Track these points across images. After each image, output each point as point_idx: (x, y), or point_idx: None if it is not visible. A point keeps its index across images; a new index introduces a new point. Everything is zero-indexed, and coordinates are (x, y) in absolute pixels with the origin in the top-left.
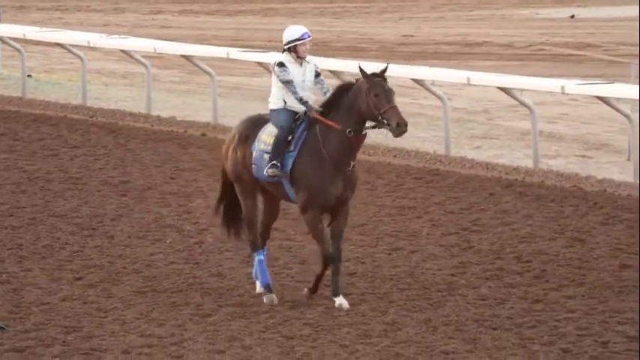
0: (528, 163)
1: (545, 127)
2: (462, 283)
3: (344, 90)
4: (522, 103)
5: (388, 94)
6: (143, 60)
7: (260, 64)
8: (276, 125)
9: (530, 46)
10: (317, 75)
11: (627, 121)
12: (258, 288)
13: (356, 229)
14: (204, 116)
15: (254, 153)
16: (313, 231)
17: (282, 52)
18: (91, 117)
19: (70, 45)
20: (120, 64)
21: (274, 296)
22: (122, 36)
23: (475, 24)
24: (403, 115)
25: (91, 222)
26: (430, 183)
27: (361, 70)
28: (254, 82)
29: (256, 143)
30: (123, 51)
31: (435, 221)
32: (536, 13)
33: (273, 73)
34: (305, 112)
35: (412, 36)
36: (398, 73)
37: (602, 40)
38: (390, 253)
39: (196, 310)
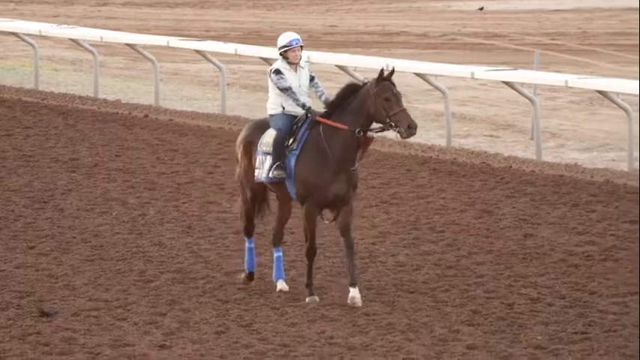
0: (442, 142)
1: (457, 110)
2: (382, 251)
3: (350, 91)
4: (436, 88)
5: (398, 97)
6: (91, 48)
7: (197, 51)
8: (274, 128)
9: (443, 35)
10: (312, 79)
11: (530, 103)
12: (280, 285)
13: None
14: (147, 99)
15: (257, 157)
16: (307, 223)
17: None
18: (43, 100)
19: (23, 34)
20: (69, 51)
21: (250, 282)
22: (71, 26)
23: (393, 15)
24: (412, 117)
25: (42, 196)
26: None
27: (382, 73)
28: (192, 67)
29: (259, 147)
30: (72, 39)
31: (358, 195)
32: (449, 6)
33: (270, 80)
34: (306, 114)
35: (336, 26)
36: (324, 59)
37: (508, 30)
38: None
39: (139, 276)
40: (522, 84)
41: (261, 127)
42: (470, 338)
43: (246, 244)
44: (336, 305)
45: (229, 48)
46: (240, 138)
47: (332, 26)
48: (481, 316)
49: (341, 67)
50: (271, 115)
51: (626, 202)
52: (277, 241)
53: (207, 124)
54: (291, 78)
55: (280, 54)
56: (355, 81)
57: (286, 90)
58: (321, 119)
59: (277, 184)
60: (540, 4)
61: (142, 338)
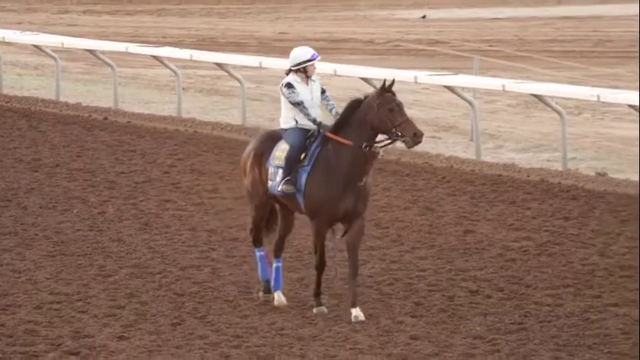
0: None
1: None
2: (329, 246)
3: (353, 107)
4: None
5: (401, 107)
6: (53, 53)
7: (155, 57)
8: (287, 142)
9: (388, 42)
10: (323, 92)
11: (470, 106)
12: (277, 297)
13: (238, 200)
14: (106, 102)
15: (269, 169)
16: (316, 239)
17: (287, 74)
18: (7, 103)
19: None
20: (32, 57)
21: (260, 294)
22: (34, 33)
23: (341, 23)
24: (417, 125)
25: (6, 194)
26: None
27: (384, 85)
28: (150, 72)
29: (271, 159)
30: (35, 45)
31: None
32: (393, 14)
33: (282, 95)
34: (318, 130)
35: (286, 33)
36: (274, 65)
37: (449, 37)
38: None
39: (99, 271)
40: (462, 88)
41: (272, 138)
42: (413, 329)
43: (256, 253)
44: (286, 297)
45: (185, 54)
46: (249, 148)
47: (282, 33)
48: (423, 308)
49: None
50: (284, 130)
51: (560, 199)
52: (278, 251)
53: (164, 126)
54: (303, 91)
55: (297, 69)
56: (357, 96)
57: (298, 104)
58: (329, 134)
59: (289, 197)
60: (479, 13)
61: (102, 330)
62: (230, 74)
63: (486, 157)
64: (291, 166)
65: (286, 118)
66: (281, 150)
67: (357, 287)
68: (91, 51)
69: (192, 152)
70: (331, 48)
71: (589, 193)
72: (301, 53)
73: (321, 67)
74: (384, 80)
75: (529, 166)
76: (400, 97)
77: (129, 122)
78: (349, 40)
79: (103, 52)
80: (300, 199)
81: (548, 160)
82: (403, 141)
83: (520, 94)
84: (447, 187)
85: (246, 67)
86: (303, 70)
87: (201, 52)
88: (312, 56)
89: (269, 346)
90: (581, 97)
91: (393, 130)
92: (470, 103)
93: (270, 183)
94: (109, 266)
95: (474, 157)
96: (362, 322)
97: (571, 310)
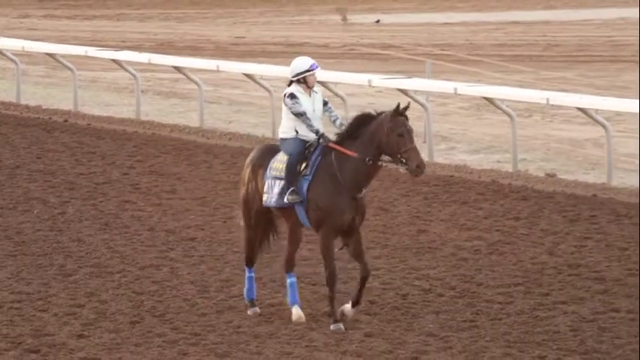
0: None
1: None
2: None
3: (363, 122)
4: (337, 95)
5: (410, 134)
6: (13, 57)
7: (114, 60)
8: (286, 153)
9: (343, 46)
10: (325, 103)
11: (423, 109)
12: (295, 312)
13: (196, 201)
14: (67, 105)
15: (266, 182)
16: (325, 251)
17: (289, 85)
18: None
19: None
20: None
21: (257, 309)
22: None
23: (296, 27)
24: (421, 156)
25: None
26: None
27: (398, 107)
28: (109, 75)
29: (268, 171)
30: None
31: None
32: (348, 19)
33: (284, 105)
34: (318, 140)
35: (243, 37)
36: (231, 68)
37: (402, 41)
38: (225, 221)
39: (59, 270)
40: (415, 91)
41: (270, 151)
42: (367, 326)
43: (246, 274)
44: (243, 297)
45: (143, 57)
46: (248, 160)
47: (239, 37)
48: (377, 305)
49: (248, 76)
50: (283, 140)
51: (511, 200)
52: (290, 267)
53: (123, 128)
54: (305, 102)
55: (298, 80)
56: (369, 111)
57: (300, 115)
58: (333, 146)
59: (285, 209)
60: (431, 18)
61: (62, 328)
62: (188, 77)
63: (439, 159)
64: (293, 175)
65: (287, 128)
66: (278, 161)
67: (362, 294)
68: (51, 55)
69: (151, 154)
70: (287, 52)
71: (538, 193)
72: (300, 64)
73: (277, 71)
74: (399, 103)
75: (480, 168)
76: (354, 100)
77: (89, 124)
78: (305, 45)
79: (63, 56)
80: (300, 212)
81: (499, 162)
82: (406, 169)
83: (471, 97)
84: (400, 188)
85: (203, 70)
86: (303, 80)
87: (160, 55)
88: (312, 66)
89: (226, 343)
90: (530, 100)
91: (399, 155)
92: (423, 105)
93: (265, 196)
94: (69, 266)
95: (426, 159)
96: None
97: (521, 307)
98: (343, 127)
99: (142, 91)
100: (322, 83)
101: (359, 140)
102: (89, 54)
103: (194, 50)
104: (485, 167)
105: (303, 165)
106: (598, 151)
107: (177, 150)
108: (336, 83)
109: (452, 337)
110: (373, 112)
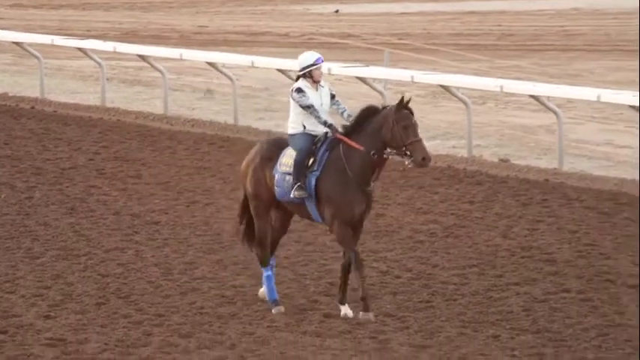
0: None
1: None
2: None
3: (368, 115)
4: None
5: (415, 126)
6: None
7: (80, 49)
8: (294, 148)
9: (303, 35)
10: (332, 97)
11: (381, 97)
12: (272, 307)
13: (160, 186)
14: (33, 92)
15: (276, 176)
16: (345, 244)
17: (297, 79)
18: None
19: None
20: None
21: (282, 307)
22: None
23: (258, 17)
24: (427, 149)
25: None
26: (222, 148)
27: (402, 100)
28: (75, 64)
29: (278, 166)
30: None
31: (226, 179)
32: (308, 9)
33: (291, 99)
34: (325, 134)
35: (207, 26)
36: (195, 57)
37: (360, 31)
38: (188, 206)
39: (26, 253)
40: (374, 79)
41: (278, 145)
42: (327, 307)
43: (264, 273)
44: (206, 278)
45: (108, 46)
46: (254, 153)
47: (202, 26)
48: (337, 287)
49: (211, 64)
50: (291, 135)
51: (466, 184)
52: (271, 252)
53: (89, 115)
54: (313, 96)
55: (304, 74)
56: (374, 104)
57: (308, 107)
58: (341, 137)
59: (297, 204)
60: (389, 8)
61: (29, 309)
62: (152, 66)
63: None
64: (300, 171)
65: (294, 123)
66: (288, 156)
67: (348, 286)
68: (17, 43)
69: (116, 140)
70: (249, 41)
71: (492, 178)
72: (306, 58)
73: (240, 59)
74: (402, 96)
75: (436, 153)
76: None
77: (55, 111)
78: (266, 34)
79: (30, 44)
80: (311, 205)
81: (454, 147)
82: (412, 160)
83: (428, 84)
84: None
85: (167, 58)
86: (309, 74)
87: (125, 44)
88: (316, 61)
89: (189, 324)
90: (485, 88)
91: (404, 148)
92: (380, 93)
93: (277, 190)
94: (36, 249)
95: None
96: (349, 318)
97: (475, 288)
98: (351, 119)
99: (108, 79)
100: (283, 71)
101: (364, 133)
102: (55, 42)
103: (158, 39)
104: (441, 153)
105: (311, 160)
106: (550, 137)
107: (141, 136)
108: (295, 71)
109: (409, 318)
110: (378, 106)
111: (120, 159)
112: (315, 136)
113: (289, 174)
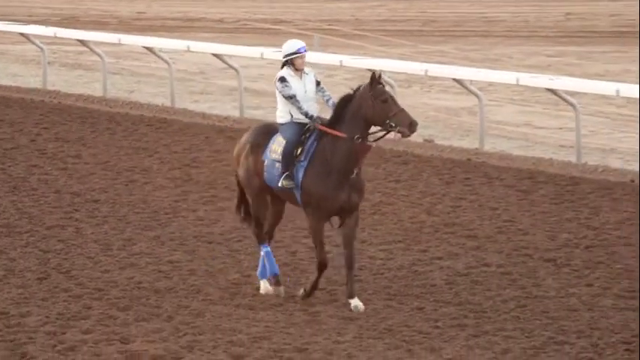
0: (236, 113)
1: (248, 85)
2: (184, 207)
3: (346, 101)
4: (231, 66)
5: (393, 98)
6: None
7: (22, 34)
8: (284, 137)
9: (237, 21)
10: (317, 84)
11: None
12: (262, 287)
13: (100, 166)
14: None
15: (265, 161)
16: (314, 236)
17: (282, 67)
18: None
19: None
20: None
21: (282, 289)
22: None
23: (193, 3)
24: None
25: None
26: (159, 129)
27: (374, 76)
28: (17, 48)
29: (268, 152)
30: None
31: (163, 159)
32: None
33: (276, 89)
34: (312, 123)
35: (144, 13)
36: (133, 42)
37: (292, 17)
38: (127, 184)
39: None
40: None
41: (268, 131)
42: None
43: (262, 250)
44: (143, 254)
45: (50, 31)
46: (245, 139)
47: (140, 12)
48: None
49: (148, 49)
50: (280, 124)
51: (392, 164)
52: (268, 241)
53: (31, 98)
54: (296, 85)
55: (287, 61)
56: (347, 92)
57: (290, 98)
58: (322, 127)
59: (287, 192)
60: None
61: None
62: (92, 50)
63: None
64: (288, 161)
65: (282, 112)
66: (277, 144)
67: (354, 278)
68: None
69: (57, 121)
70: (185, 27)
71: (418, 158)
72: (289, 46)
73: (176, 43)
74: (373, 72)
75: None
76: (247, 71)
77: None
78: (201, 20)
79: None
80: (298, 194)
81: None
82: (398, 131)
83: (356, 68)
84: None
85: (106, 43)
86: (291, 62)
87: (65, 29)
88: (299, 49)
89: (128, 298)
90: (410, 72)
91: (387, 121)
92: None
93: (266, 175)
94: None
95: None
96: (361, 312)
97: (401, 263)
98: (330, 115)
99: (49, 63)
100: (218, 55)
101: (345, 120)
102: None
103: (98, 25)
104: None
105: (299, 150)
106: (472, 119)
107: (81, 118)
108: (230, 56)
109: (337, 291)
110: (350, 91)
111: (61, 140)
112: (305, 125)
113: (279, 161)
